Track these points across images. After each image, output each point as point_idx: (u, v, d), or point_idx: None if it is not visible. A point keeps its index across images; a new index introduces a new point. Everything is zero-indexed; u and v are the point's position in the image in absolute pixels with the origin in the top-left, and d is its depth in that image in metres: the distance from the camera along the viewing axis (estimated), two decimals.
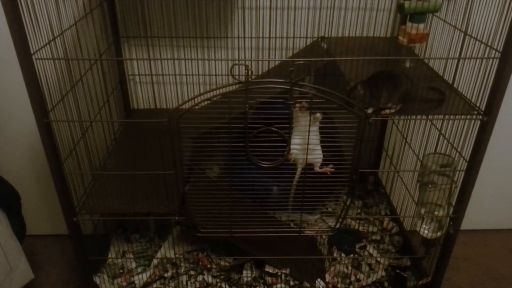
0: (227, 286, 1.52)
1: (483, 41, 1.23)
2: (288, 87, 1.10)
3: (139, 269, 1.58)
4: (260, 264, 1.54)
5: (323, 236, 1.70)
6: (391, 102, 1.22)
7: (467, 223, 1.42)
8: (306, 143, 1.22)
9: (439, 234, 1.43)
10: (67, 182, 1.26)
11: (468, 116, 1.22)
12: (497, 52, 1.13)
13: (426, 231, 1.44)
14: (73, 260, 1.87)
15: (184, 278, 1.54)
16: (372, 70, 1.28)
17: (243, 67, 1.08)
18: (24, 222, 1.68)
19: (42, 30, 1.14)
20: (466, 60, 1.30)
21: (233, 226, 1.35)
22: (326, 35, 1.76)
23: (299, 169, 1.33)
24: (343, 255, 1.63)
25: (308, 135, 1.22)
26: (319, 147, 1.28)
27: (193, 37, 1.76)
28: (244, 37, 1.76)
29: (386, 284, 1.55)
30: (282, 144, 1.23)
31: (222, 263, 1.57)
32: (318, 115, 1.22)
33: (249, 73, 1.08)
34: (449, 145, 1.37)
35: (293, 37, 1.76)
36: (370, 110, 1.21)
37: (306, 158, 1.25)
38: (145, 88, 1.87)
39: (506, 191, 2.01)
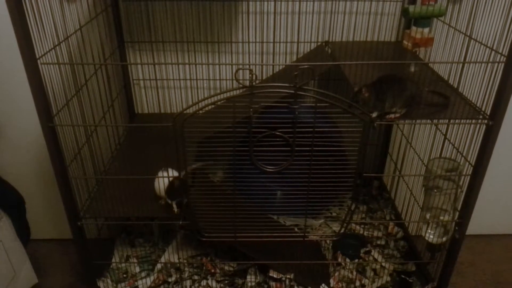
0: None
1: (488, 45, 1.23)
2: (293, 92, 1.10)
3: (143, 274, 1.58)
4: (264, 269, 1.54)
5: (328, 241, 1.69)
6: (396, 107, 1.22)
7: (472, 228, 1.41)
8: None
9: (444, 239, 1.42)
10: (71, 186, 1.26)
11: (474, 121, 1.22)
12: (502, 56, 1.12)
13: (431, 236, 1.43)
14: (77, 264, 1.87)
15: (188, 283, 1.54)
16: (376, 74, 1.28)
17: (248, 71, 1.08)
18: (28, 226, 1.68)
19: (48, 34, 1.15)
20: (471, 64, 1.29)
21: (237, 231, 1.35)
22: (331, 40, 1.76)
23: None
24: (347, 260, 1.62)
25: None
26: None
27: (198, 42, 1.76)
28: (249, 42, 1.76)
29: None
30: (287, 149, 1.23)
31: (226, 268, 1.57)
32: None
33: (254, 77, 1.08)
34: (454, 149, 1.37)
35: (298, 42, 1.76)
36: (374, 115, 1.21)
37: None
38: (149, 92, 1.87)
39: None
